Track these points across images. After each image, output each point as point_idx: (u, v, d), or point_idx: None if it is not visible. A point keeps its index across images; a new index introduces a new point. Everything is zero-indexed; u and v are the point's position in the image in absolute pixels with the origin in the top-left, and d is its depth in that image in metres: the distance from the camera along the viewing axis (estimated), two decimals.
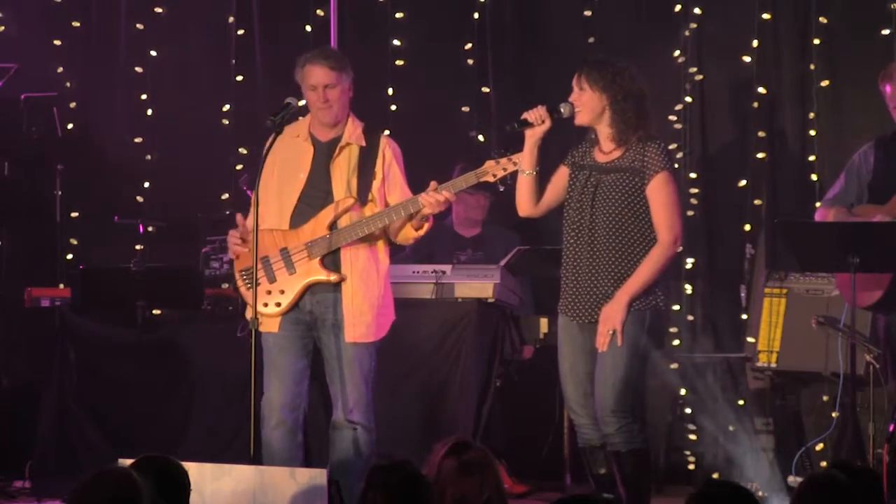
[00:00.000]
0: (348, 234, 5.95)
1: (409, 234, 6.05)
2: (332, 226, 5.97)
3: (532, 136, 5.84)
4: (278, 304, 5.98)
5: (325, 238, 5.96)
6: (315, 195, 6.00)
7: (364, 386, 6.01)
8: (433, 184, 5.92)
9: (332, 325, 5.99)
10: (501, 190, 6.02)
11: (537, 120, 5.80)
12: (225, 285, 7.68)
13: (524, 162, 5.87)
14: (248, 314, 6.04)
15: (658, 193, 5.70)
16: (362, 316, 5.98)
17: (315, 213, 5.99)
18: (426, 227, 6.04)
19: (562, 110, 5.80)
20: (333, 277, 5.96)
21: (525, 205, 5.96)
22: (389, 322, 6.11)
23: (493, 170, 5.91)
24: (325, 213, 5.98)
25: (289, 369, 6.00)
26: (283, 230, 5.99)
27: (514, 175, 5.91)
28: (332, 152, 6.04)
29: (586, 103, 5.77)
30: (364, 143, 6.06)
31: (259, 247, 5.92)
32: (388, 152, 6.10)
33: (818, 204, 7.80)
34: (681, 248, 7.36)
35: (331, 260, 5.98)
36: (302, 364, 6.04)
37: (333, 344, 5.99)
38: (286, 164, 6.05)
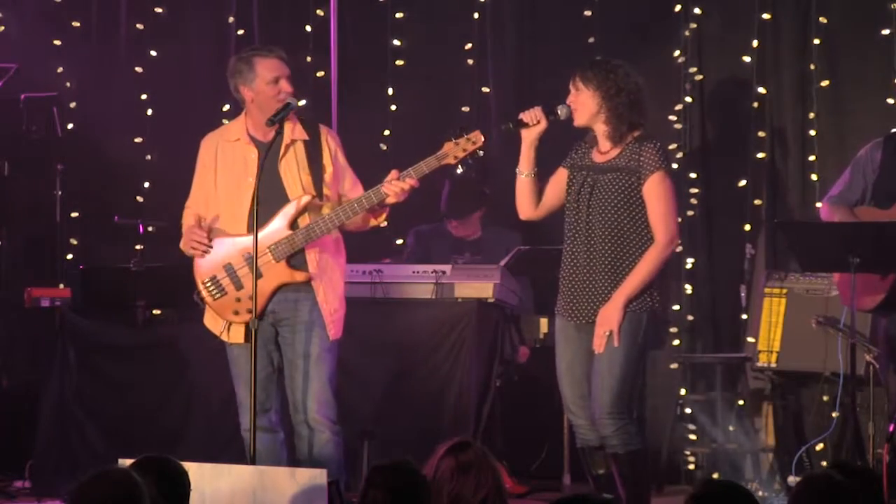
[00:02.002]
0: (312, 232, 5.87)
1: (367, 224, 6.05)
2: (293, 225, 5.91)
3: (528, 137, 5.83)
4: (250, 311, 5.84)
5: (288, 238, 5.88)
6: (268, 197, 5.88)
7: (330, 385, 5.94)
8: (394, 172, 5.89)
9: (295, 323, 5.92)
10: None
11: (532, 120, 5.80)
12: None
13: (522, 164, 5.87)
14: (209, 324, 6.05)
15: (654, 193, 5.70)
16: (336, 313, 5.96)
17: (271, 215, 5.91)
18: (384, 215, 6.06)
19: (559, 113, 5.80)
20: (302, 277, 5.91)
21: (525, 207, 5.95)
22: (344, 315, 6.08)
23: (453, 152, 5.89)
24: (283, 214, 5.90)
25: (256, 376, 5.86)
26: (241, 235, 5.89)
27: (473, 155, 5.90)
28: (278, 151, 5.96)
29: (582, 103, 5.76)
30: (307, 137, 6.02)
31: (220, 253, 5.89)
32: (332, 142, 6.07)
33: (818, 204, 7.81)
34: (680, 248, 7.41)
35: (297, 259, 5.93)
36: (268, 371, 5.97)
37: (298, 342, 5.91)
38: (229, 168, 5.93)
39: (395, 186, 5.84)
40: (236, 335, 5.94)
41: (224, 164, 5.99)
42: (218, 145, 6.06)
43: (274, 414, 6.02)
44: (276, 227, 5.89)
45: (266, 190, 5.87)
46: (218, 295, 5.94)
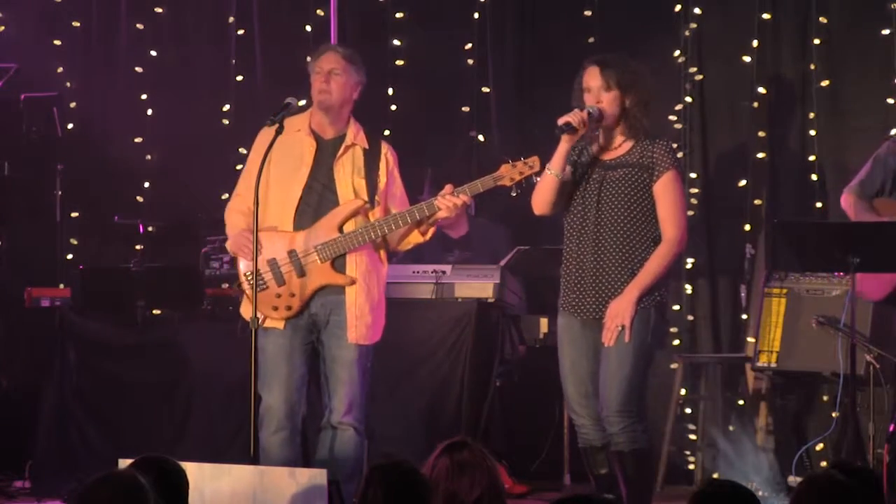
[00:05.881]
0: (360, 237, 5.87)
1: (412, 240, 6.00)
2: (341, 228, 5.91)
3: (570, 140, 5.74)
4: (289, 308, 5.89)
5: (336, 241, 5.87)
6: (318, 194, 5.91)
7: (360, 388, 5.95)
8: (449, 186, 5.83)
9: (333, 326, 5.93)
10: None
11: (580, 124, 5.74)
12: (225, 285, 7.65)
13: (556, 164, 5.76)
14: (245, 313, 6.03)
15: (666, 191, 5.70)
16: (363, 318, 5.94)
17: (318, 213, 5.91)
18: (431, 232, 5.99)
19: (592, 113, 5.76)
20: (343, 281, 5.91)
21: (545, 205, 5.86)
22: (383, 325, 6.05)
23: (509, 174, 5.82)
24: (334, 215, 5.90)
25: (290, 376, 5.90)
26: (289, 232, 5.90)
27: (528, 179, 5.86)
28: (336, 151, 5.96)
29: (611, 103, 5.74)
30: (367, 146, 6.01)
31: (265, 248, 5.88)
32: (391, 158, 6.05)
33: (819, 204, 7.82)
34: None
35: (339, 262, 5.92)
36: (303, 371, 5.97)
37: (334, 345, 5.92)
38: (286, 157, 5.90)
39: (448, 201, 5.78)
40: (273, 321, 5.91)
41: (280, 153, 5.89)
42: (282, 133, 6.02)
43: (300, 419, 6.01)
44: (325, 227, 5.89)
45: (317, 185, 5.91)
46: (259, 288, 5.92)
